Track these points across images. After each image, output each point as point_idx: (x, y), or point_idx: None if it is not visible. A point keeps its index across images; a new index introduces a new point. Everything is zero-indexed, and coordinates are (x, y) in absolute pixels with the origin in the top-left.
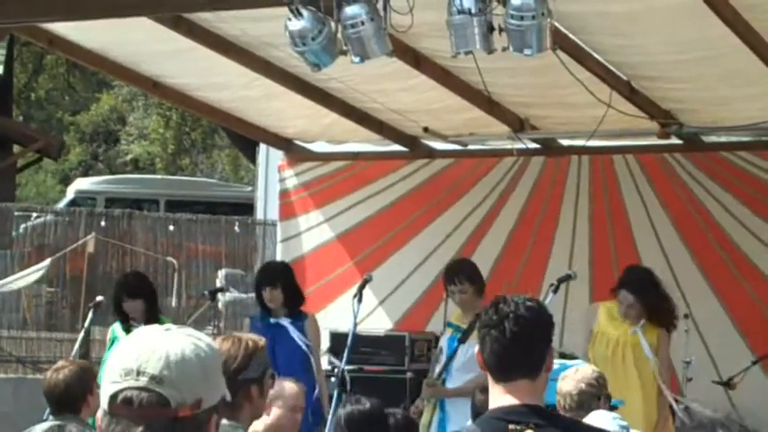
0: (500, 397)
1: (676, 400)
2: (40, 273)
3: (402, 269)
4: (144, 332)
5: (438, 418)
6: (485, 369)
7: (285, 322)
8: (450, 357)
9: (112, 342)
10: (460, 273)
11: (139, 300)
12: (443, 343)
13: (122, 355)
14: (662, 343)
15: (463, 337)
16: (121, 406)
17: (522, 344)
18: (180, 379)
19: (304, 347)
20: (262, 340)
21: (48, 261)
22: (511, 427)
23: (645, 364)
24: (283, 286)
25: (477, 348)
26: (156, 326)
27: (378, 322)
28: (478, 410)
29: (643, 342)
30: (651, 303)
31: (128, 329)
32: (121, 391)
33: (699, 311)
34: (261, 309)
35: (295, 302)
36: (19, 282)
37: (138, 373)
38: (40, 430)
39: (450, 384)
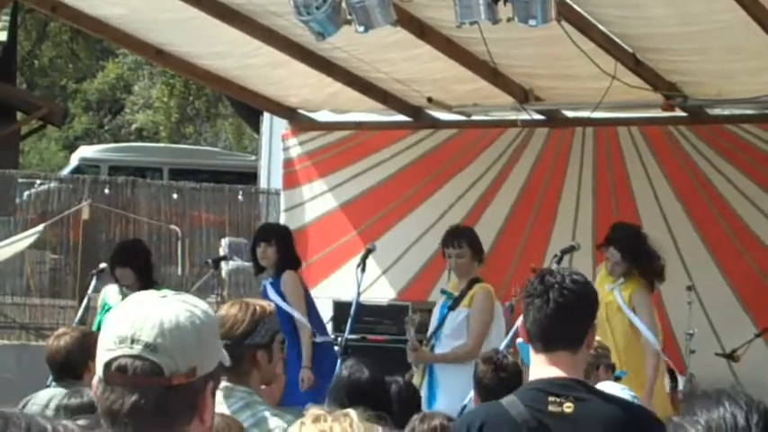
0: (541, 368)
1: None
2: (33, 238)
3: (405, 239)
4: (139, 299)
5: (426, 382)
6: (527, 340)
7: (266, 282)
8: (440, 324)
9: (103, 308)
10: (461, 236)
11: (128, 268)
12: (436, 310)
13: (117, 322)
14: (637, 303)
15: (453, 303)
16: (116, 374)
17: (564, 314)
18: (174, 347)
19: (285, 309)
20: (270, 306)
21: (41, 227)
22: (551, 399)
23: (618, 323)
24: (278, 245)
25: (521, 320)
26: (151, 292)
27: (380, 292)
28: (480, 380)
29: (618, 298)
30: (637, 260)
31: (123, 295)
32: (116, 359)
33: (701, 283)
34: (254, 268)
35: (287, 264)
36: (11, 247)
37: (133, 341)
38: (45, 397)
39: (438, 350)
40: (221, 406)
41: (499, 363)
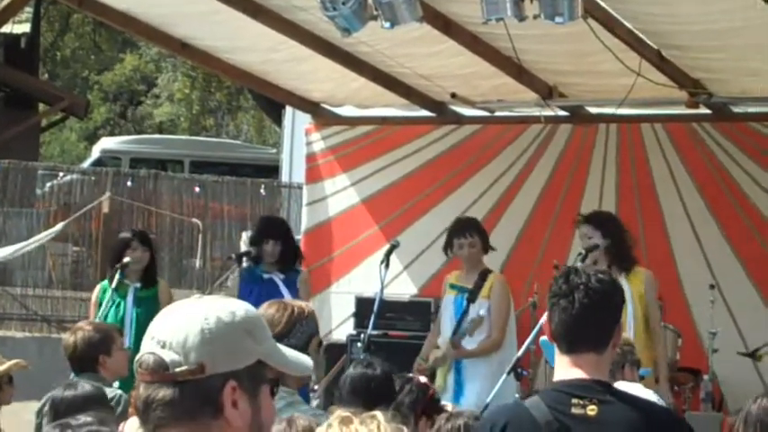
0: (565, 369)
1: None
2: (53, 234)
3: (427, 234)
4: (179, 302)
5: (454, 379)
6: (551, 339)
7: (277, 278)
8: (461, 318)
9: (100, 305)
10: (470, 226)
11: (148, 252)
12: (448, 304)
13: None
14: (650, 286)
15: (472, 296)
16: (137, 369)
17: (590, 315)
18: (179, 343)
19: None
20: (309, 307)
21: (60, 225)
22: (574, 401)
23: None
24: (283, 241)
25: (545, 318)
26: (193, 297)
27: (403, 287)
28: None
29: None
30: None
31: (119, 287)
32: (141, 355)
33: (725, 282)
34: (253, 262)
35: (291, 259)
36: (34, 245)
37: (151, 338)
38: (64, 392)
39: (464, 343)
40: None
41: None
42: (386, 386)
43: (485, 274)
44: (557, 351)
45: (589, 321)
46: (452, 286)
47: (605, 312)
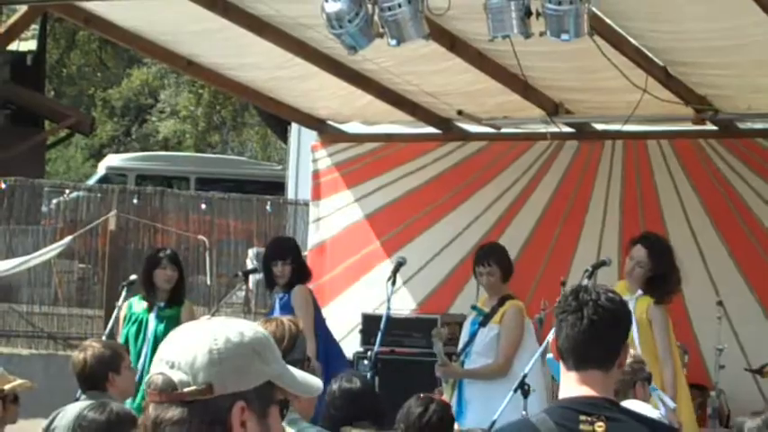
0: (572, 387)
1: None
2: (59, 250)
3: (429, 250)
4: (188, 323)
5: (456, 397)
6: (558, 356)
7: (276, 297)
8: (470, 340)
9: (129, 319)
10: (491, 256)
11: (177, 272)
12: (467, 325)
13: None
14: (654, 318)
15: (484, 320)
16: (147, 389)
17: (598, 333)
18: (187, 363)
19: None
20: (300, 322)
21: (67, 239)
22: (582, 417)
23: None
24: (293, 262)
25: (552, 335)
26: (203, 318)
27: (402, 303)
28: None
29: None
30: (660, 265)
31: (150, 307)
32: (150, 376)
33: (729, 299)
34: (267, 283)
35: (302, 278)
36: (38, 259)
37: (160, 360)
38: (74, 411)
39: (468, 366)
40: None
41: None
42: (369, 399)
43: (504, 299)
44: (563, 368)
45: (597, 338)
46: (474, 307)
47: (613, 330)
